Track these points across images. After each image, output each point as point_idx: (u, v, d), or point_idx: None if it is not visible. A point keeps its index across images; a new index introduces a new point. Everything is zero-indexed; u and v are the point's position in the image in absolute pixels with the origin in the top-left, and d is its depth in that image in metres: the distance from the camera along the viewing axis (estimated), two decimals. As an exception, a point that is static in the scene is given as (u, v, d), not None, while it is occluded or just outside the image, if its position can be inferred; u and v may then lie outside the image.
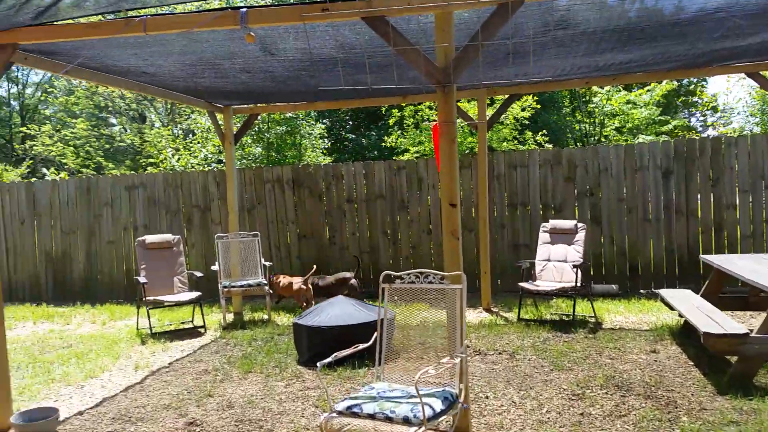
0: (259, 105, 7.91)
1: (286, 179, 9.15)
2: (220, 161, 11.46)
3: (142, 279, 6.88)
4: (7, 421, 3.96)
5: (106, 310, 8.51)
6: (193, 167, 11.42)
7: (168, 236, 7.49)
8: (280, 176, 9.18)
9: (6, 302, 9.46)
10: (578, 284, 6.54)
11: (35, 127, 34.63)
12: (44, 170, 17.01)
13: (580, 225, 7.06)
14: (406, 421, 2.70)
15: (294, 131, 10.72)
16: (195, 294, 7.02)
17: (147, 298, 6.84)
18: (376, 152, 15.91)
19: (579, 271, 6.59)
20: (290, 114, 10.75)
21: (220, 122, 7.99)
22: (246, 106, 7.88)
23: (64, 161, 27.57)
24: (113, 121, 36.11)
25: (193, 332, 6.97)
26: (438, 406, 2.85)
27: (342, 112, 17.60)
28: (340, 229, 9.07)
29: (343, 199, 9.04)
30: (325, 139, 12.74)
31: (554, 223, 7.25)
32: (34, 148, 33.54)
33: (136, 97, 31.11)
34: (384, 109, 15.10)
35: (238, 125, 8.68)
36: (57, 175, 16.54)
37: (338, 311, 5.52)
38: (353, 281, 7.71)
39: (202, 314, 7.09)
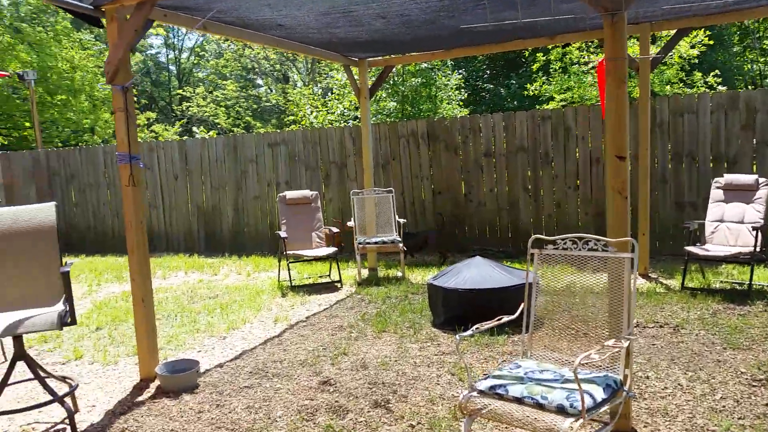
0: (393, 56, 7.58)
1: (421, 133, 8.81)
2: (355, 117, 11.39)
3: (282, 234, 7.00)
4: (153, 370, 4.13)
5: (251, 261, 8.89)
6: (330, 124, 11.47)
7: (306, 192, 7.53)
8: (415, 130, 8.86)
9: (163, 253, 10.28)
10: (757, 249, 5.56)
11: (190, 89, 37.49)
12: (194, 129, 18.17)
13: (762, 180, 5.97)
14: (560, 410, 2.29)
15: (429, 83, 10.25)
16: (332, 249, 7.02)
17: (287, 252, 6.96)
18: (515, 102, 14.97)
19: (759, 233, 5.59)
20: (425, 64, 10.30)
21: (355, 77, 7.80)
22: (380, 57, 7.58)
23: (217, 121, 29.58)
24: (259, 82, 38.03)
25: (330, 287, 7.00)
26: (599, 394, 2.41)
27: (479, 60, 16.76)
28: (477, 185, 8.60)
29: (481, 152, 8.53)
30: (462, 90, 12.09)
31: (729, 178, 6.21)
32: (190, 109, 36.37)
33: (279, 58, 32.36)
34: (528, 52, 13.97)
35: (373, 79, 8.44)
36: (206, 134, 17.62)
37: (476, 273, 5.15)
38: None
39: (339, 269, 7.09)
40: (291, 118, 12.59)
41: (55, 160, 11.26)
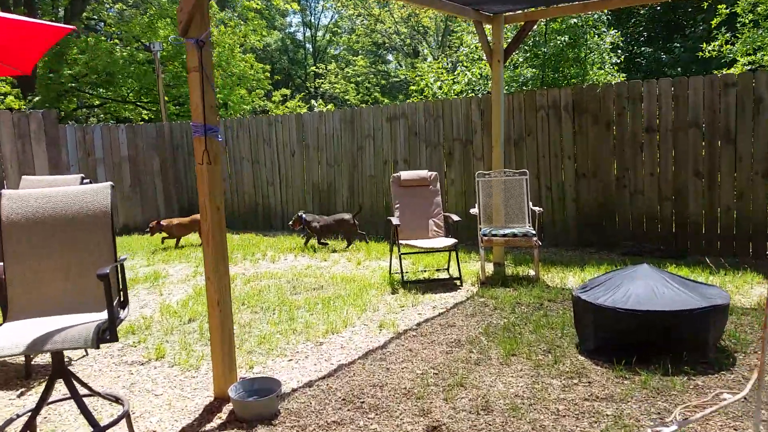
0: (536, 9, 6.27)
1: (564, 103, 7.42)
2: (485, 88, 10.09)
3: (395, 220, 6.07)
4: (226, 390, 3.39)
5: (363, 246, 8.11)
6: (456, 94, 10.29)
7: (424, 173, 6.54)
8: (557, 100, 7.48)
9: (278, 232, 9.82)
10: None
11: (322, 66, 37.89)
12: (313, 102, 17.75)
13: None
14: None
15: (577, 42, 8.64)
16: (451, 241, 5.98)
17: (400, 241, 6.04)
18: (678, 69, 12.72)
19: None
20: (574, 20, 8.73)
21: (488, 37, 6.60)
22: (520, 11, 6.32)
23: (347, 97, 29.48)
24: (390, 57, 37.55)
25: (448, 284, 5.99)
26: None
27: (635, 21, 14.45)
28: (633, 167, 7.09)
29: (641, 127, 6.99)
30: (620, 51, 9.93)
31: None
32: (322, 86, 36.78)
33: (410, 32, 31.45)
34: (706, 2, 11.46)
35: (509, 40, 7.17)
36: (324, 107, 17.11)
37: (643, 288, 3.85)
38: (352, 221, 8.05)
39: (458, 264, 6.04)
40: (413, 87, 11.57)
41: (178, 132, 11.23)
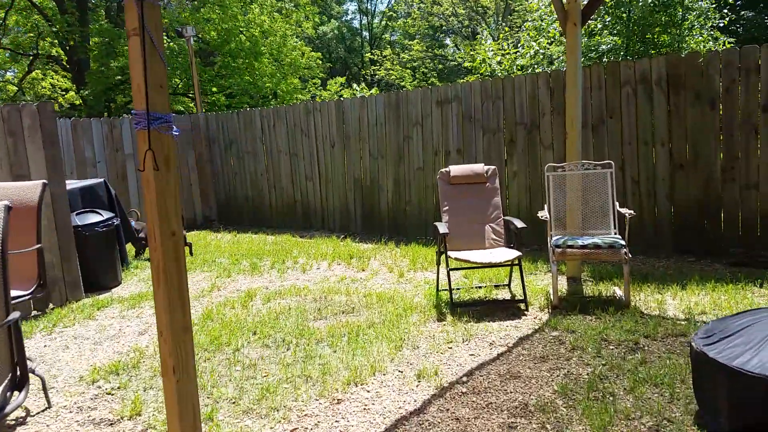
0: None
1: (657, 77, 6.00)
2: (552, 63, 8.66)
3: (442, 228, 4.89)
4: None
5: (409, 252, 6.97)
6: (519, 71, 8.86)
7: (479, 167, 5.32)
8: (647, 73, 6.06)
9: (316, 232, 8.81)
10: None
11: (377, 52, 36.78)
12: (354, 85, 16.61)
13: None
14: None
15: (670, 2, 7.04)
16: (513, 253, 4.75)
17: (449, 252, 4.87)
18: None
19: None
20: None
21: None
22: (599, -40, 4.97)
23: (403, 84, 28.29)
24: (447, 41, 36.09)
25: (508, 307, 4.78)
26: None
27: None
28: (745, 155, 5.62)
29: (757, 105, 5.51)
30: (725, 11, 8.17)
31: None
32: (378, 72, 35.68)
33: (468, 13, 29.85)
34: None
35: None
36: (368, 92, 15.89)
37: (811, 347, 2.54)
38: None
39: (523, 281, 4.80)
40: (468, 64, 10.24)
41: (214, 124, 10.40)
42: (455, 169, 5.30)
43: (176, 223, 2.37)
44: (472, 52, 9.84)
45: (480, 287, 5.33)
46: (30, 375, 3.70)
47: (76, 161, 8.79)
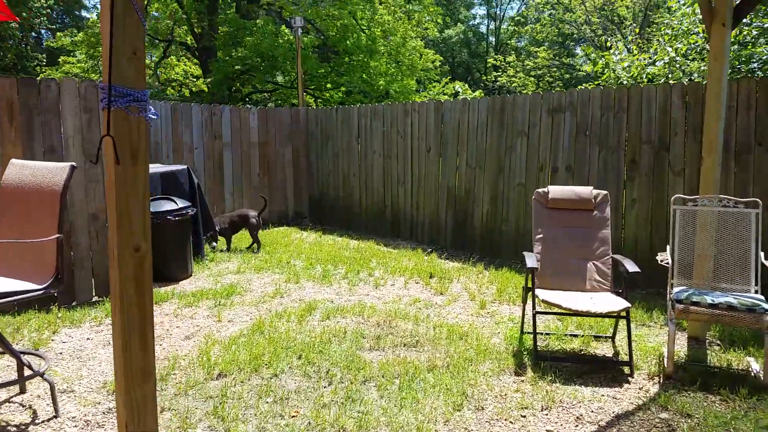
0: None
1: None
2: (691, 79, 7.34)
3: (530, 260, 4.07)
4: None
5: (499, 278, 6.14)
6: (650, 79, 7.64)
7: (585, 191, 4.42)
8: (820, 92, 4.81)
9: (402, 242, 8.16)
10: None
11: (501, 58, 35.61)
12: (457, 87, 15.69)
13: None
14: None
15: None
16: (619, 303, 3.82)
17: (537, 290, 4.04)
18: None
19: None
20: None
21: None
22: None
23: (524, 92, 27.02)
24: (578, 51, 34.18)
25: (608, 369, 3.86)
26: None
27: None
28: None
29: None
30: None
31: None
32: (499, 79, 34.53)
33: (602, 23, 27.84)
34: None
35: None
36: (472, 94, 14.91)
37: None
38: (253, 219, 7.53)
39: (629, 340, 3.85)
40: (587, 68, 9.11)
41: (314, 119, 10.11)
42: (555, 191, 4.44)
43: (142, 235, 1.83)
44: (592, 55, 8.69)
45: (575, 335, 4.43)
46: (40, 379, 3.38)
47: (173, 146, 8.80)
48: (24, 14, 24.25)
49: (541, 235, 4.35)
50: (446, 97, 16.86)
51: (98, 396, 3.40)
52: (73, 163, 3.13)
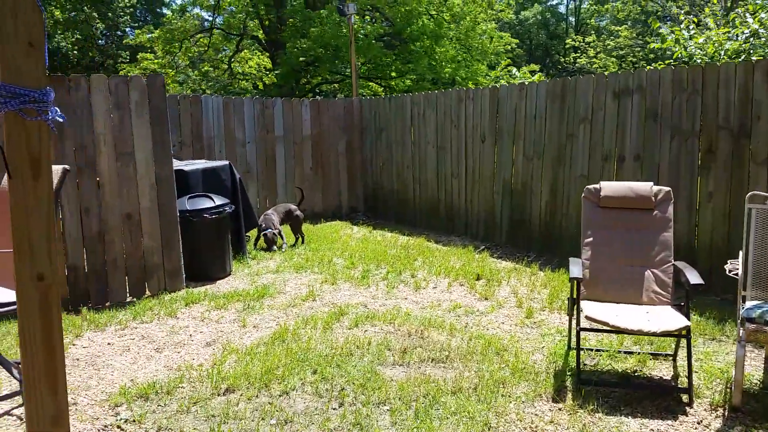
0: None
1: None
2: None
3: (575, 268, 3.55)
4: None
5: (554, 280, 5.59)
6: (727, 56, 6.73)
7: (644, 187, 3.83)
8: None
9: (456, 239, 7.69)
10: None
11: (580, 38, 33.86)
12: (514, 70, 14.76)
13: None
14: None
15: None
16: (678, 321, 3.24)
17: (582, 302, 3.53)
18: None
19: None
20: None
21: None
22: None
23: (606, 73, 25.52)
24: (662, 29, 32.05)
25: (664, 395, 3.30)
26: None
27: None
28: None
29: None
30: None
31: None
32: (578, 60, 32.85)
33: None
34: None
35: None
36: (531, 77, 13.98)
37: None
38: (297, 212, 7.48)
39: (689, 364, 3.26)
40: (655, 45, 8.21)
41: (367, 110, 9.79)
42: (609, 188, 3.87)
43: (47, 260, 1.55)
44: (661, 30, 7.80)
45: (630, 353, 3.86)
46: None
47: (225, 141, 8.74)
48: (110, 14, 25.47)
49: (591, 239, 3.82)
50: (504, 81, 16.04)
51: (99, 410, 3.25)
52: (66, 166, 2.95)
